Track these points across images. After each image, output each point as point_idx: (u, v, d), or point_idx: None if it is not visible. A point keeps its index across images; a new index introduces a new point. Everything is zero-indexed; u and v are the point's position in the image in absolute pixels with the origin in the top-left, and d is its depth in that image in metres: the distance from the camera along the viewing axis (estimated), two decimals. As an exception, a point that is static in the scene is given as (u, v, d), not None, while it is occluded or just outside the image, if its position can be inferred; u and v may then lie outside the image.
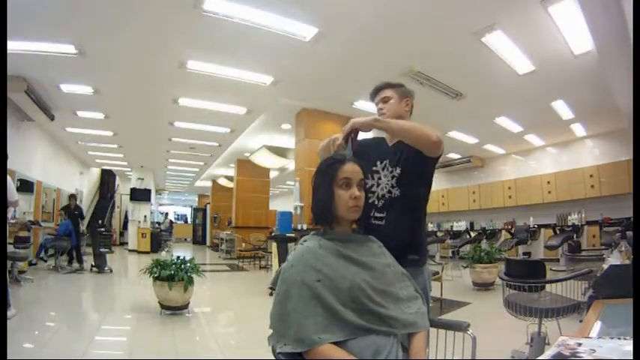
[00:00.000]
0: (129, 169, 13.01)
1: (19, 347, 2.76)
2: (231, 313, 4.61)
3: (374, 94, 1.58)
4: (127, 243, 13.01)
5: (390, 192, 1.40)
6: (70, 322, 3.77)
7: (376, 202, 1.41)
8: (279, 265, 1.16)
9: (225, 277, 7.79)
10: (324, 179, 1.13)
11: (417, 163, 1.38)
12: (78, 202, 8.13)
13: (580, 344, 0.73)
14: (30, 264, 6.53)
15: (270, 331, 1.04)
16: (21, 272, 5.57)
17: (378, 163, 1.46)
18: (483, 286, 5.39)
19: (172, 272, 3.77)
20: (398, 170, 1.42)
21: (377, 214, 1.39)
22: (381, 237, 1.23)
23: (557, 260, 6.51)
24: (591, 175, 8.32)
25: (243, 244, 9.72)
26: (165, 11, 3.60)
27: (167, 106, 6.29)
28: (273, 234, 6.71)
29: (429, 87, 5.24)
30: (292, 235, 5.75)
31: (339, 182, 1.11)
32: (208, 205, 16.98)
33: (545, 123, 7.38)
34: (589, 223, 8.32)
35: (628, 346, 0.70)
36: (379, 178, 1.43)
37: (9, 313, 3.34)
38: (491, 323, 3.33)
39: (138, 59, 4.63)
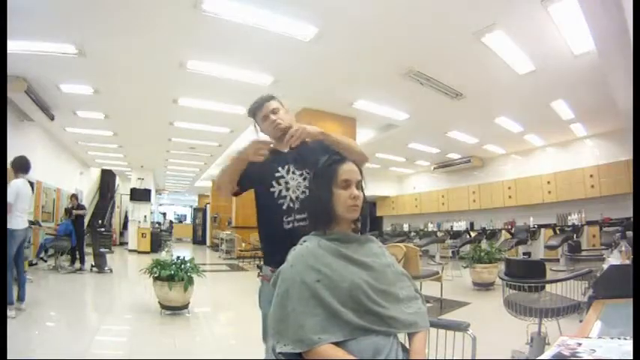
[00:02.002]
0: (129, 169, 13.00)
1: (19, 347, 2.76)
2: (231, 313, 4.61)
3: (257, 109, 1.53)
4: (127, 243, 13.01)
5: (304, 192, 1.39)
6: (70, 322, 3.77)
7: (292, 206, 1.39)
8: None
9: (225, 277, 7.80)
10: (323, 181, 1.14)
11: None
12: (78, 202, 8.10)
13: (580, 344, 0.73)
14: (30, 264, 6.52)
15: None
16: (21, 272, 5.56)
17: (280, 168, 1.44)
18: (483, 286, 5.40)
19: (172, 272, 3.78)
20: (307, 170, 1.41)
21: (298, 216, 1.37)
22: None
23: (557, 260, 6.52)
24: (591, 175, 8.31)
25: (243, 244, 9.73)
26: (165, 11, 3.60)
27: (167, 106, 6.29)
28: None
29: (429, 87, 5.23)
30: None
31: (340, 184, 1.12)
32: (208, 205, 16.99)
33: (545, 123, 7.37)
34: (589, 223, 8.32)
35: (628, 346, 0.70)
36: (287, 182, 1.41)
37: (11, 313, 3.34)
38: (491, 323, 3.32)
39: (138, 59, 4.63)
